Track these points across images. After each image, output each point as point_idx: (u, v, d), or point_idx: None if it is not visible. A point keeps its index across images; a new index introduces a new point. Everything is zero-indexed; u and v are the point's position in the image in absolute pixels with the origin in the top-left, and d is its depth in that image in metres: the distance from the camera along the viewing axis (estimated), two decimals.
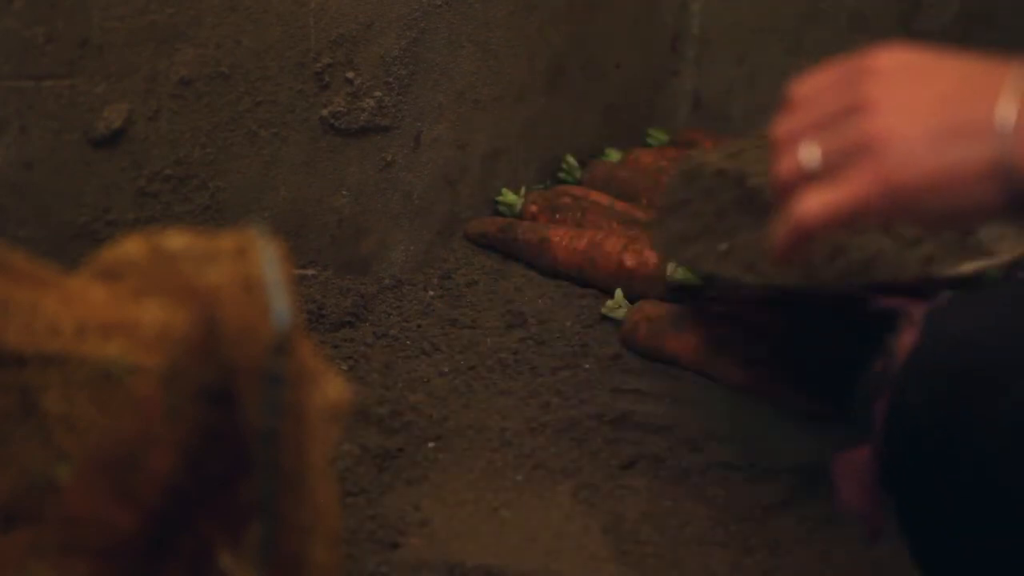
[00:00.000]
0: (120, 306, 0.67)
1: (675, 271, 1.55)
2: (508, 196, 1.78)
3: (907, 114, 0.76)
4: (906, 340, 0.88)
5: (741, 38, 2.06)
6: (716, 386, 1.47)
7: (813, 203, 0.78)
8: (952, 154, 0.74)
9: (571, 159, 1.87)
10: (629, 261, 1.62)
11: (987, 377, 0.84)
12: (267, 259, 0.64)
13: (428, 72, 1.64)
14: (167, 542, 0.66)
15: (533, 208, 1.76)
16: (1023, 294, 0.91)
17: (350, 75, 1.55)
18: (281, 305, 0.63)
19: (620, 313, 1.58)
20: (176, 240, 0.67)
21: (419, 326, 1.57)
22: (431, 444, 1.37)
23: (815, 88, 0.84)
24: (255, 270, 0.64)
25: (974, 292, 0.99)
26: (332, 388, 0.67)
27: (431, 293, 1.64)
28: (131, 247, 0.69)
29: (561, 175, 1.87)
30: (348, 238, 1.61)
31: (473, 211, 1.77)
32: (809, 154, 0.80)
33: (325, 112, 1.54)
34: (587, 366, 1.52)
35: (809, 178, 0.79)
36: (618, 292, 1.60)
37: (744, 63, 2.06)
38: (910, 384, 0.87)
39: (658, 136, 1.97)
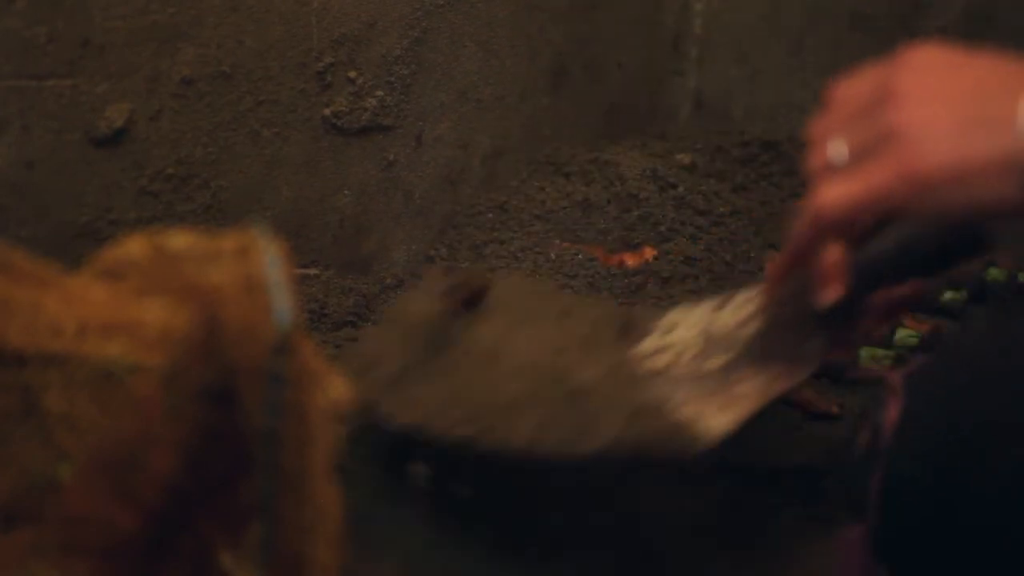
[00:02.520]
0: (121, 306, 0.67)
1: None
2: None
3: (932, 106, 0.76)
4: (892, 411, 0.86)
5: (743, 38, 2.06)
6: None
7: (832, 193, 0.78)
8: (974, 146, 0.74)
9: None
10: None
11: (981, 439, 0.82)
12: (269, 259, 0.64)
13: (430, 72, 1.64)
14: (168, 542, 0.66)
15: None
16: (998, 347, 0.89)
17: (352, 75, 1.55)
18: (283, 305, 0.63)
19: None
20: (178, 240, 0.67)
21: None
22: None
23: (850, 87, 0.84)
24: (257, 270, 0.64)
25: (947, 352, 0.97)
26: (334, 388, 0.67)
27: None
28: (133, 247, 0.69)
29: None
30: (350, 238, 1.61)
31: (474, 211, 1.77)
32: (836, 149, 0.80)
33: (327, 112, 1.54)
34: None
35: (837, 171, 0.79)
36: None
37: (746, 63, 2.06)
38: (902, 456, 0.85)
39: None
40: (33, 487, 0.65)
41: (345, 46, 1.53)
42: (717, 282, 1.64)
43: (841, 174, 0.78)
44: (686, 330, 1.11)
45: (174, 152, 1.41)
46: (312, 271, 1.57)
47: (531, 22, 1.78)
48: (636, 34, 1.97)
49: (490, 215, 1.77)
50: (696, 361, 1.07)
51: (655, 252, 1.70)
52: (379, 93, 1.58)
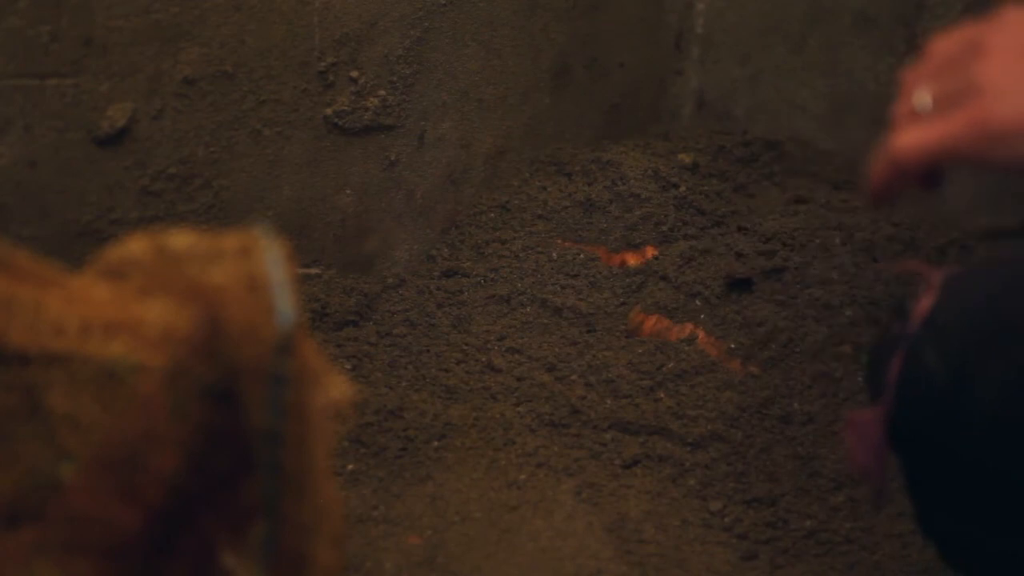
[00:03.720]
0: (124, 305, 0.67)
1: None
2: None
3: (1016, 62, 0.78)
4: (924, 304, 0.90)
5: (745, 38, 2.06)
6: (721, 385, 1.47)
7: (909, 138, 0.80)
8: None
9: None
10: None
11: (1000, 342, 0.85)
12: (271, 259, 0.64)
13: (432, 71, 1.64)
14: (170, 541, 0.66)
15: None
16: None
17: (354, 74, 1.55)
18: (285, 304, 0.63)
19: None
20: (180, 239, 0.67)
21: (422, 325, 1.57)
22: (435, 443, 1.37)
23: (945, 41, 0.86)
24: (259, 270, 0.64)
25: (989, 262, 1.01)
26: (335, 387, 0.67)
27: (435, 292, 1.64)
28: (135, 246, 0.69)
29: None
30: (352, 237, 1.61)
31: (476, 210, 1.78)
32: (921, 98, 0.82)
33: (329, 111, 1.54)
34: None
35: (919, 118, 0.81)
36: None
37: (748, 63, 2.06)
38: (924, 346, 0.88)
39: None
40: (36, 486, 0.65)
41: (347, 46, 1.53)
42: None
43: (922, 121, 0.80)
44: None
45: (176, 151, 1.41)
46: (314, 271, 1.57)
47: (533, 22, 1.78)
48: (638, 34, 1.97)
49: (492, 214, 1.77)
50: None
51: (657, 251, 1.70)
52: (381, 93, 1.58)
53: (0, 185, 1.27)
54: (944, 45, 0.86)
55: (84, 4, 1.28)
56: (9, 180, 1.28)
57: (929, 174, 0.82)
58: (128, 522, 0.65)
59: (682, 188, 1.82)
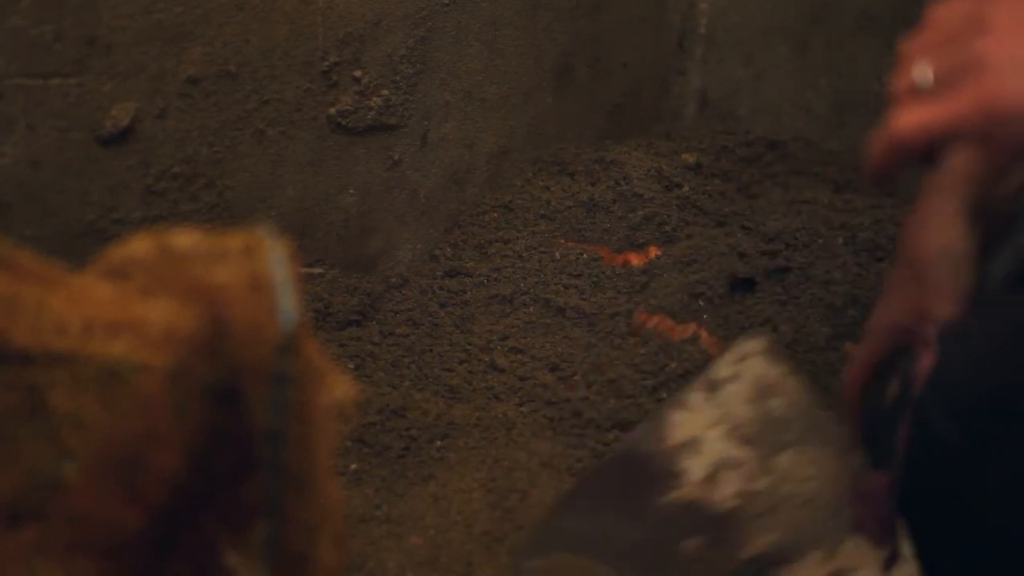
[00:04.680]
0: (127, 305, 0.67)
1: None
2: None
3: (1020, 39, 0.76)
4: (924, 363, 0.85)
5: (748, 38, 2.06)
6: None
7: (911, 117, 0.78)
8: None
9: None
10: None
11: (1013, 399, 0.82)
12: (274, 258, 0.64)
13: (435, 71, 1.64)
14: (172, 541, 0.66)
15: None
16: None
17: (357, 74, 1.55)
18: (288, 304, 0.63)
19: None
20: (183, 239, 0.67)
21: (425, 324, 1.57)
22: (438, 443, 1.37)
23: (947, 10, 0.83)
24: (262, 269, 0.64)
25: (986, 309, 0.97)
26: (338, 387, 0.67)
27: (437, 291, 1.64)
28: (138, 246, 0.69)
29: None
30: (355, 237, 1.61)
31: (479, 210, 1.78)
32: (921, 72, 0.79)
33: (332, 111, 1.54)
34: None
35: (920, 95, 0.79)
36: None
37: (751, 63, 2.06)
38: (934, 407, 0.84)
39: None
40: (38, 486, 0.65)
41: (350, 45, 1.53)
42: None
43: (923, 98, 0.78)
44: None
45: (180, 151, 1.41)
46: (317, 270, 1.57)
47: (536, 22, 1.78)
48: (641, 34, 1.97)
49: (495, 214, 1.77)
50: None
51: (660, 251, 1.70)
52: (384, 92, 1.58)
53: (3, 184, 1.27)
54: (944, 15, 0.83)
55: (87, 4, 1.28)
56: (12, 179, 1.28)
57: (930, 152, 0.80)
58: (130, 522, 0.65)
59: (685, 188, 1.82)
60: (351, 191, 1.59)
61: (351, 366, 1.48)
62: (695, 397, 1.07)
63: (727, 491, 1.04)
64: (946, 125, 0.77)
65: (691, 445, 1.07)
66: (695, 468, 1.06)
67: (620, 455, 1.12)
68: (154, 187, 1.39)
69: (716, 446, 1.06)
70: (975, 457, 0.82)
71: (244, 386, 0.64)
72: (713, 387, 1.07)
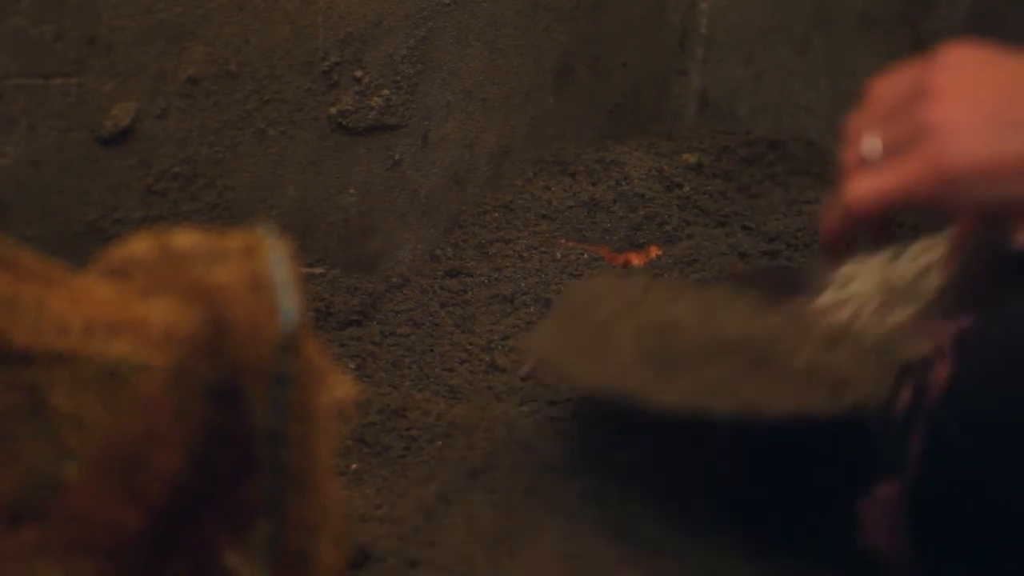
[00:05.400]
0: (127, 305, 0.67)
1: None
2: None
3: (966, 102, 0.76)
4: (940, 372, 0.85)
5: (749, 38, 2.06)
6: None
7: (863, 187, 0.79)
8: (1004, 144, 0.74)
9: None
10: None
11: None
12: (275, 258, 0.64)
13: (436, 71, 1.64)
14: (173, 541, 0.66)
15: None
16: None
17: (358, 74, 1.55)
18: (289, 304, 0.63)
19: None
20: (184, 239, 0.67)
21: (426, 324, 1.57)
22: (439, 443, 1.37)
23: (887, 84, 0.84)
24: (262, 269, 0.64)
25: (1002, 317, 0.96)
26: (339, 387, 0.67)
27: (438, 291, 1.64)
28: (139, 246, 0.69)
29: None
30: (355, 237, 1.61)
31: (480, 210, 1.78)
32: (871, 144, 0.80)
33: (333, 111, 1.54)
34: None
35: (871, 165, 0.80)
36: None
37: (752, 63, 2.06)
38: (946, 419, 0.84)
39: None
40: (39, 485, 0.65)
41: (351, 45, 1.53)
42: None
43: (874, 168, 0.79)
44: (863, 283, 1.08)
45: (180, 151, 1.41)
46: (318, 270, 1.57)
47: (537, 21, 1.78)
48: (642, 34, 1.97)
49: (496, 214, 1.77)
50: (878, 314, 1.04)
51: (661, 251, 1.70)
52: (385, 92, 1.58)
53: (3, 184, 1.27)
54: (886, 88, 0.84)
55: (88, 4, 1.28)
56: (12, 179, 1.28)
57: (882, 221, 0.81)
58: (130, 522, 0.65)
59: (686, 188, 1.82)
60: (352, 191, 1.59)
61: (352, 366, 1.48)
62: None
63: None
64: (899, 191, 0.78)
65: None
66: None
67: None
68: (154, 187, 1.39)
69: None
70: (989, 469, 0.81)
71: (245, 386, 0.64)
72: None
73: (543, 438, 1.39)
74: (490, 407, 1.45)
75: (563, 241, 1.73)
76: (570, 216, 1.77)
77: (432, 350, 1.54)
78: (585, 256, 1.69)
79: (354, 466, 1.34)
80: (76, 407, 0.65)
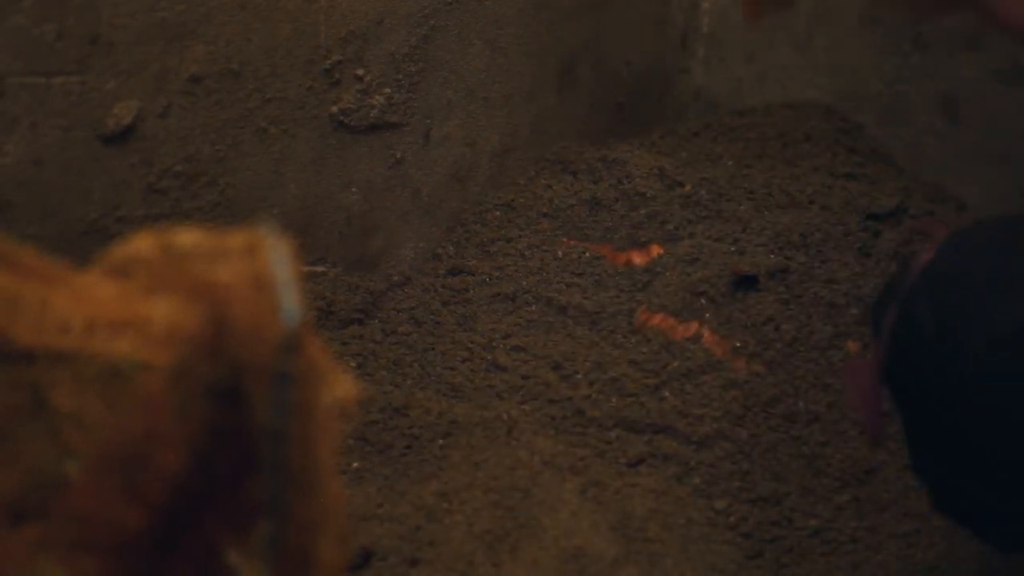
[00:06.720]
0: (129, 303, 0.67)
1: None
2: None
3: None
4: (923, 257, 0.93)
5: (751, 37, 2.06)
6: (726, 383, 1.47)
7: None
8: None
9: None
10: None
11: (990, 295, 0.88)
12: (276, 257, 0.64)
13: (438, 69, 1.64)
14: (174, 539, 0.66)
15: None
16: None
17: (360, 72, 1.55)
18: (290, 303, 0.63)
19: None
20: (186, 238, 0.67)
21: (428, 323, 1.57)
22: (440, 441, 1.37)
23: None
24: (264, 268, 0.64)
25: (994, 219, 1.04)
26: (340, 385, 0.67)
27: (440, 290, 1.64)
28: (141, 244, 0.69)
29: None
30: (357, 235, 1.61)
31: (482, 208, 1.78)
32: None
33: (335, 109, 1.54)
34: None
35: None
36: None
37: (753, 62, 2.06)
38: (919, 294, 0.92)
39: None
40: (40, 485, 0.65)
41: (353, 44, 1.53)
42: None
43: None
44: None
45: (182, 149, 1.41)
46: (319, 269, 1.57)
47: (539, 20, 1.78)
48: (644, 32, 1.97)
49: (497, 213, 1.77)
50: None
51: (662, 250, 1.70)
52: (387, 91, 1.58)
53: (6, 183, 1.27)
54: None
55: (90, 2, 1.29)
56: (14, 178, 1.28)
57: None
58: (132, 521, 0.65)
59: (687, 187, 1.82)
60: (353, 189, 1.59)
61: (353, 365, 1.48)
62: None
63: None
64: None
65: None
66: None
67: None
68: (156, 185, 1.39)
69: None
70: (948, 347, 0.90)
71: (246, 385, 0.64)
72: None
73: (543, 437, 1.40)
74: (491, 406, 1.45)
75: (565, 240, 1.73)
76: (572, 215, 1.77)
77: (433, 348, 1.54)
78: (587, 255, 1.69)
79: (355, 464, 1.35)
80: (78, 406, 0.65)
